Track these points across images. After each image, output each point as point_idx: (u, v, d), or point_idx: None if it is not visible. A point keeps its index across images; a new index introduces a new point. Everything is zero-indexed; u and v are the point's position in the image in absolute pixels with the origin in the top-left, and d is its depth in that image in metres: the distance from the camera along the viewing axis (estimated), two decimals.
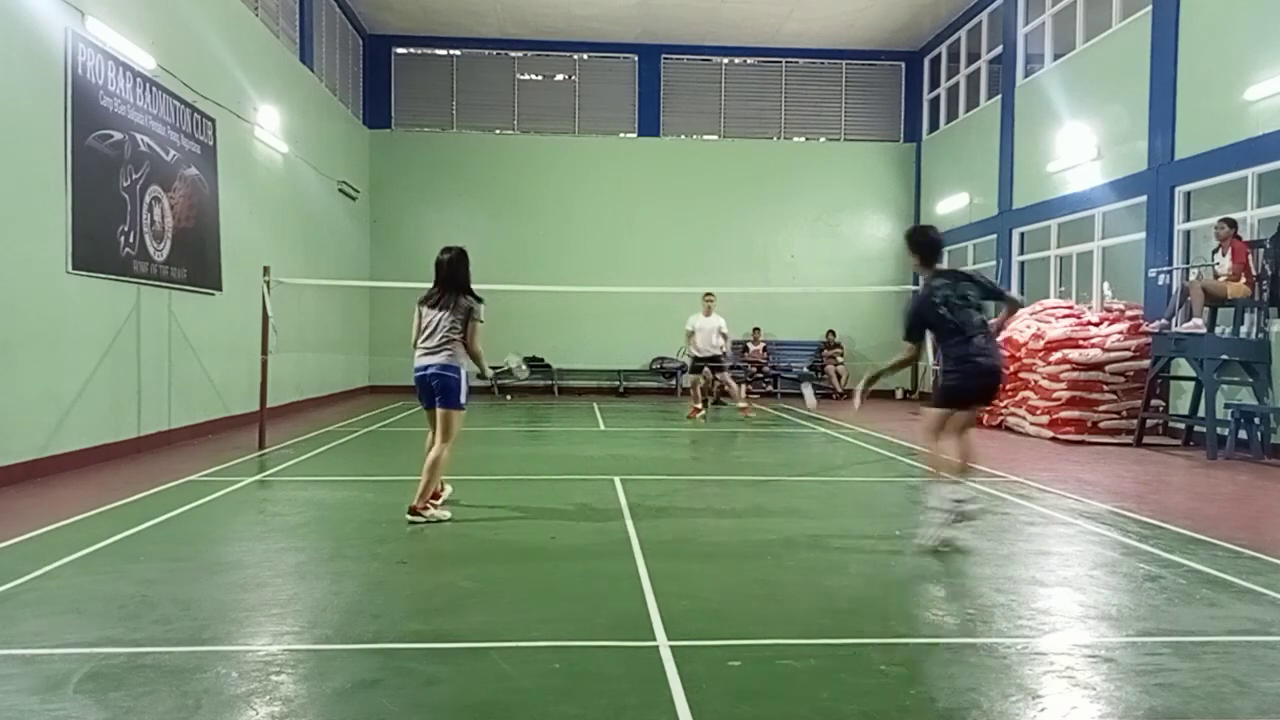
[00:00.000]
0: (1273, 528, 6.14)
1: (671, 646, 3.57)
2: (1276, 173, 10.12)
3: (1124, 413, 11.36)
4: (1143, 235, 12.29)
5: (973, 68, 18.02)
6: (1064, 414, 11.43)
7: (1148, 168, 12.05)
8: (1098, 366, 11.39)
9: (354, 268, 18.21)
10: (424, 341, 6.15)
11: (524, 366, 6.81)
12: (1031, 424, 11.99)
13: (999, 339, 5.58)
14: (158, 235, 9.71)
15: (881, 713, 2.99)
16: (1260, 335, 9.90)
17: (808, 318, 19.60)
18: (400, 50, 19.80)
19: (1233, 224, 10.04)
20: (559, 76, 20.20)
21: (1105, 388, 11.42)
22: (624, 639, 3.69)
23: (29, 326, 7.54)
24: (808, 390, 7.24)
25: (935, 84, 19.77)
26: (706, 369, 13.69)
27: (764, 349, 19.47)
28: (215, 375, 11.00)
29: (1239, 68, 10.37)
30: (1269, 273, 9.76)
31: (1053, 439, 11.45)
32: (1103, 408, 11.40)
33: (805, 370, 19.74)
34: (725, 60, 20.28)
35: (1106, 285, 13.54)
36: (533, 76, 20.16)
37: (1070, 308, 12.77)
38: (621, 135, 20.22)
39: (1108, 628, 3.92)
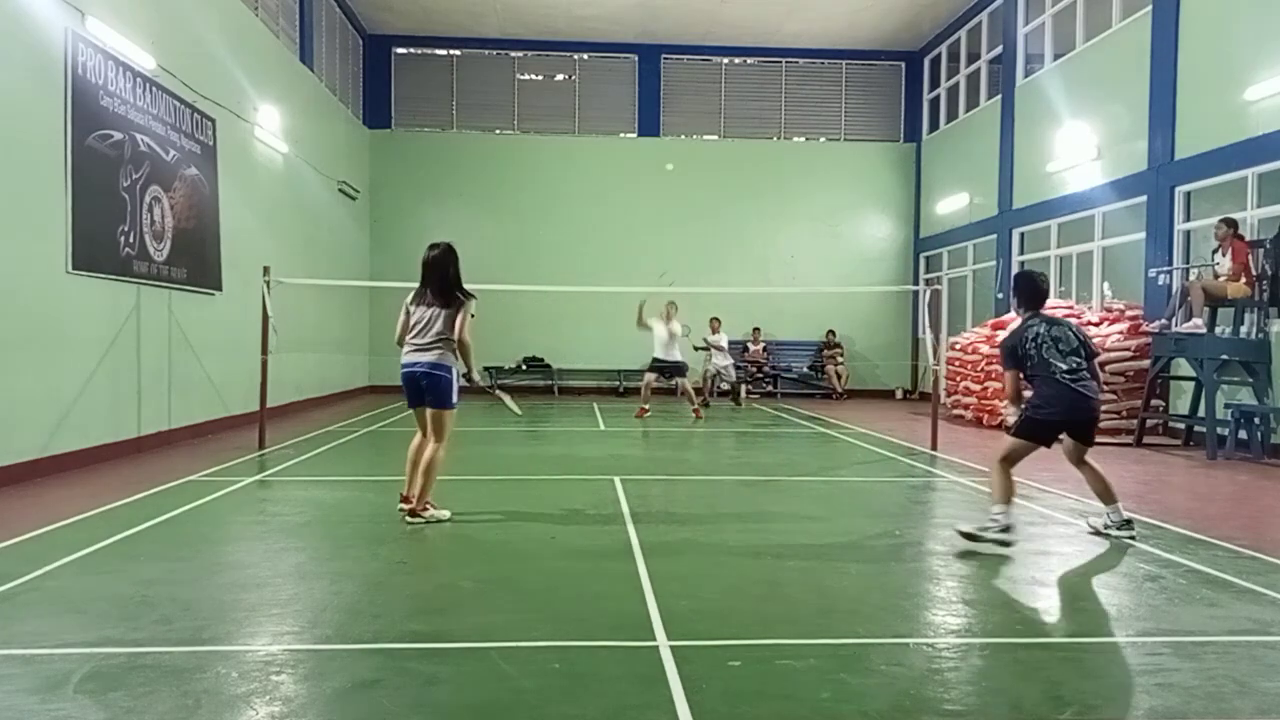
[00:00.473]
0: (1273, 528, 6.14)
1: (671, 646, 3.57)
2: (1276, 173, 10.12)
3: (1124, 413, 11.36)
4: (1143, 235, 12.29)
5: (973, 68, 18.02)
6: None
7: (1148, 168, 12.05)
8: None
9: (354, 268, 18.22)
10: (413, 339, 6.04)
11: (517, 409, 6.79)
12: None
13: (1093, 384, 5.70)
14: (158, 235, 9.71)
15: (881, 713, 2.99)
16: (1260, 335, 9.90)
17: (808, 318, 19.61)
18: (400, 50, 19.80)
19: (1233, 224, 10.04)
20: (559, 76, 20.20)
21: (1105, 388, 11.41)
22: (624, 639, 3.69)
23: (29, 326, 7.54)
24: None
25: (935, 84, 19.77)
26: (668, 373, 14.01)
27: (764, 349, 19.47)
28: (215, 375, 11.00)
29: (1239, 68, 10.37)
30: (1269, 273, 9.76)
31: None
32: (1103, 408, 11.39)
33: (805, 370, 19.75)
34: (725, 60, 20.28)
35: (1106, 285, 13.54)
36: (533, 76, 20.16)
37: (1070, 308, 12.77)
38: (621, 135, 20.22)
39: (1108, 628, 3.92)
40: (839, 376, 19.11)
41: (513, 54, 19.92)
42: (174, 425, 10.04)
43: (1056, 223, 14.75)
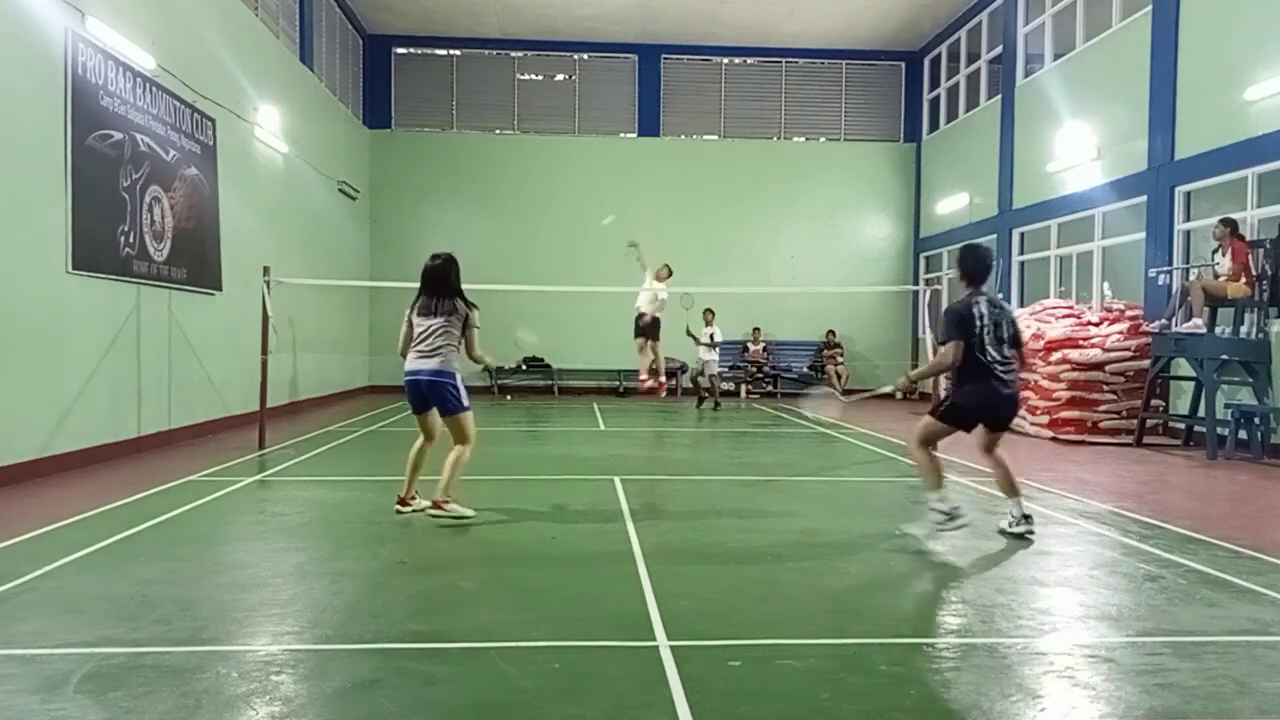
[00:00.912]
0: (1273, 528, 6.13)
1: (671, 646, 3.57)
2: (1276, 173, 10.12)
3: (1124, 413, 11.36)
4: (1143, 235, 12.29)
5: (973, 68, 18.02)
6: (1064, 414, 11.44)
7: (1148, 168, 12.05)
8: (1098, 366, 11.39)
9: (354, 268, 18.22)
10: (417, 346, 6.11)
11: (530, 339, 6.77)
12: (1031, 424, 11.99)
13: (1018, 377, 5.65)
14: (158, 235, 9.71)
15: (881, 713, 2.99)
16: (1260, 335, 9.90)
17: (808, 318, 19.60)
18: (400, 50, 19.80)
19: (1232, 224, 10.04)
20: (559, 76, 20.20)
21: (1105, 388, 11.42)
22: (624, 639, 3.69)
23: (29, 326, 7.54)
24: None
25: (935, 84, 19.77)
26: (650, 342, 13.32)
27: (764, 349, 19.47)
28: (215, 375, 11.00)
29: (1239, 68, 10.37)
30: (1269, 273, 9.76)
31: (1053, 439, 11.45)
32: (1103, 408, 11.40)
33: (805, 370, 19.75)
34: (725, 60, 20.28)
35: (1106, 285, 13.53)
36: (533, 76, 20.16)
37: (1070, 308, 12.77)
38: (621, 135, 20.22)
39: (1108, 628, 3.92)
40: (839, 376, 19.11)
41: (513, 54, 19.92)
42: (174, 425, 10.04)
43: (1056, 223, 14.75)
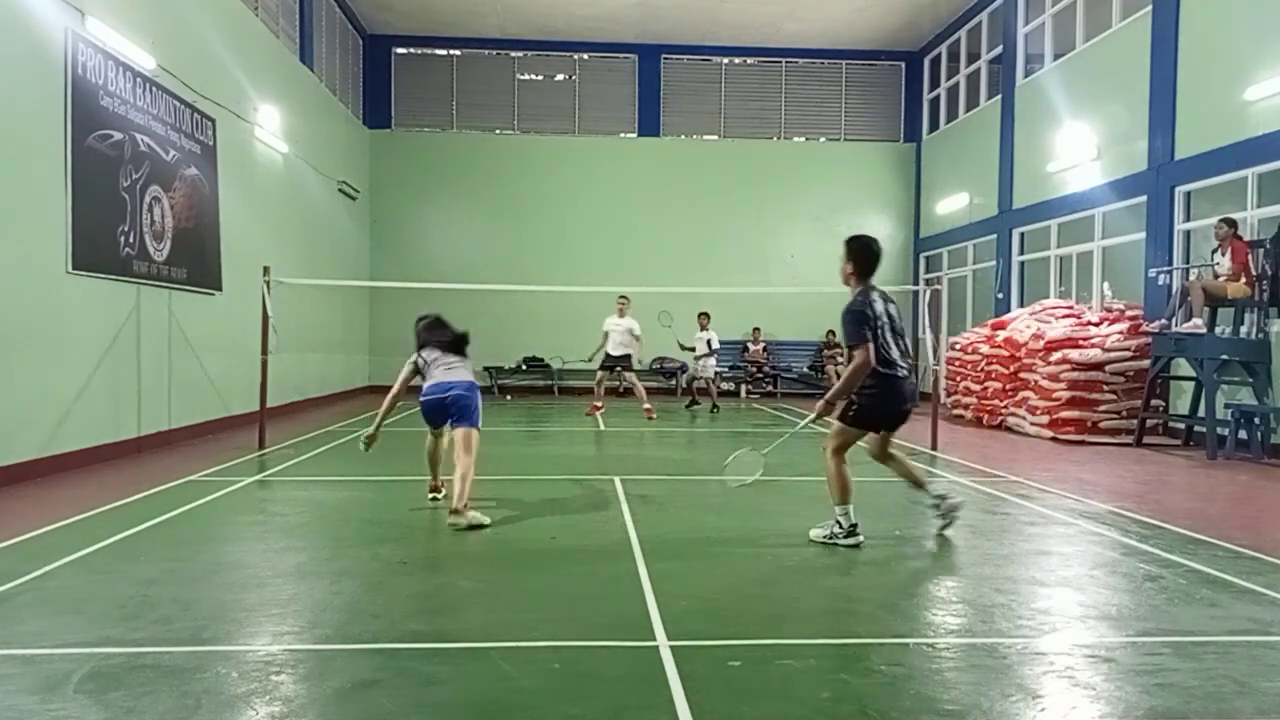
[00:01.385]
0: (1273, 528, 6.13)
1: (671, 646, 3.57)
2: (1276, 173, 10.12)
3: (1124, 413, 11.36)
4: (1143, 235, 12.29)
5: (973, 68, 18.02)
6: (1064, 414, 11.44)
7: (1148, 168, 12.05)
8: (1098, 366, 11.39)
9: (354, 268, 18.21)
10: (440, 368, 6.25)
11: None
12: (1031, 424, 12.00)
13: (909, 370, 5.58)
14: (158, 235, 9.71)
15: (881, 713, 2.99)
16: (1260, 335, 9.90)
17: (808, 318, 19.58)
18: (400, 50, 19.80)
19: (1232, 224, 10.04)
20: (559, 76, 20.21)
21: (1105, 388, 11.42)
22: (624, 639, 3.69)
23: (29, 326, 7.54)
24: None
25: (935, 84, 19.76)
26: (617, 368, 13.90)
27: (764, 349, 19.47)
28: (215, 375, 11.00)
29: (1239, 68, 10.37)
30: (1269, 273, 9.76)
31: (1053, 439, 11.46)
32: (1103, 408, 11.40)
33: (805, 370, 19.75)
34: (725, 60, 20.28)
35: (1106, 285, 13.53)
36: (533, 76, 20.16)
37: (1070, 308, 12.78)
38: (621, 135, 20.22)
39: (1108, 628, 3.92)
40: (839, 377, 19.08)
41: (513, 54, 19.92)
42: (174, 425, 10.04)
43: (1056, 223, 14.75)
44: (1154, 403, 11.20)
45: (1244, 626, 3.94)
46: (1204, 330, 10.11)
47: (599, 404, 14.26)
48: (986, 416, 13.29)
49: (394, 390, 6.29)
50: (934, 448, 10.19)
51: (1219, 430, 9.85)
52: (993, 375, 13.27)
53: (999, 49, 16.64)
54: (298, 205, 14.65)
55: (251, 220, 12.44)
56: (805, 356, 19.93)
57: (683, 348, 15.87)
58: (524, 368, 19.24)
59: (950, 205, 18.54)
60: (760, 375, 19.34)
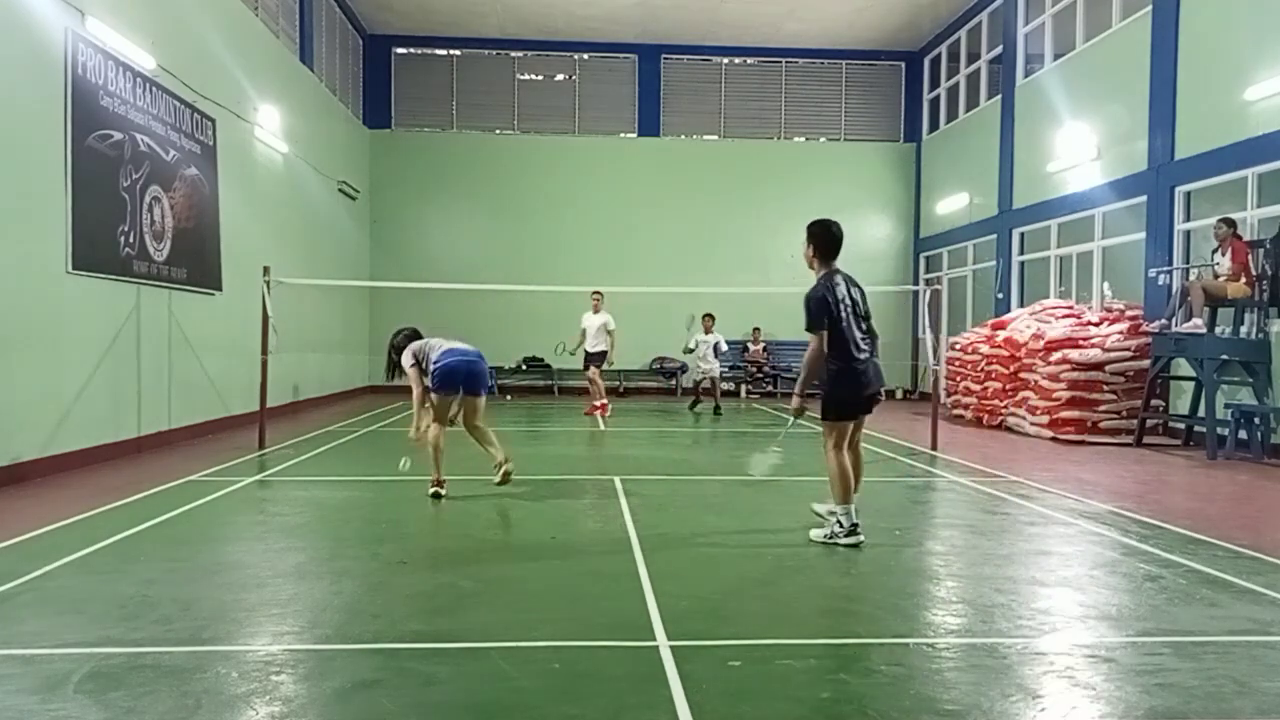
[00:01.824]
0: (1273, 528, 6.13)
1: (671, 646, 3.57)
2: (1276, 173, 10.12)
3: (1124, 413, 11.36)
4: (1143, 235, 12.29)
5: (973, 68, 18.02)
6: (1064, 414, 11.44)
7: (1148, 168, 12.05)
8: (1098, 366, 11.39)
9: (354, 268, 18.21)
10: (453, 341, 6.88)
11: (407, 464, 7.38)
12: (1031, 424, 11.99)
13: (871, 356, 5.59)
14: (158, 235, 9.71)
15: (881, 713, 2.99)
16: (1260, 335, 9.90)
17: None
18: (400, 50, 19.80)
19: (1232, 224, 10.04)
20: (559, 76, 20.20)
21: (1105, 388, 11.41)
22: (624, 639, 3.69)
23: (29, 326, 7.54)
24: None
25: (935, 84, 19.76)
26: (592, 366, 14.00)
27: (764, 349, 19.46)
28: (215, 375, 11.00)
29: (1239, 68, 10.37)
30: (1269, 273, 9.76)
31: (1053, 439, 11.46)
32: (1103, 408, 11.40)
33: None
34: (725, 60, 20.28)
35: (1106, 285, 13.53)
36: (533, 76, 20.16)
37: (1070, 308, 12.77)
38: (621, 135, 20.22)
39: (1108, 628, 3.92)
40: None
41: (513, 54, 19.92)
42: (174, 425, 10.04)
43: (1056, 223, 14.75)
44: (1154, 403, 11.20)
45: (1244, 626, 3.94)
46: (1204, 330, 10.11)
47: (599, 403, 14.07)
48: (986, 416, 13.29)
49: (417, 389, 6.77)
50: (934, 448, 10.19)
51: (1219, 430, 9.85)
52: (993, 375, 13.26)
53: (999, 49, 16.64)
54: (298, 205, 14.65)
55: (251, 220, 12.44)
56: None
57: (687, 352, 15.82)
58: (524, 368, 19.24)
59: (950, 205, 18.54)
60: (760, 375, 19.33)
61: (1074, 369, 11.41)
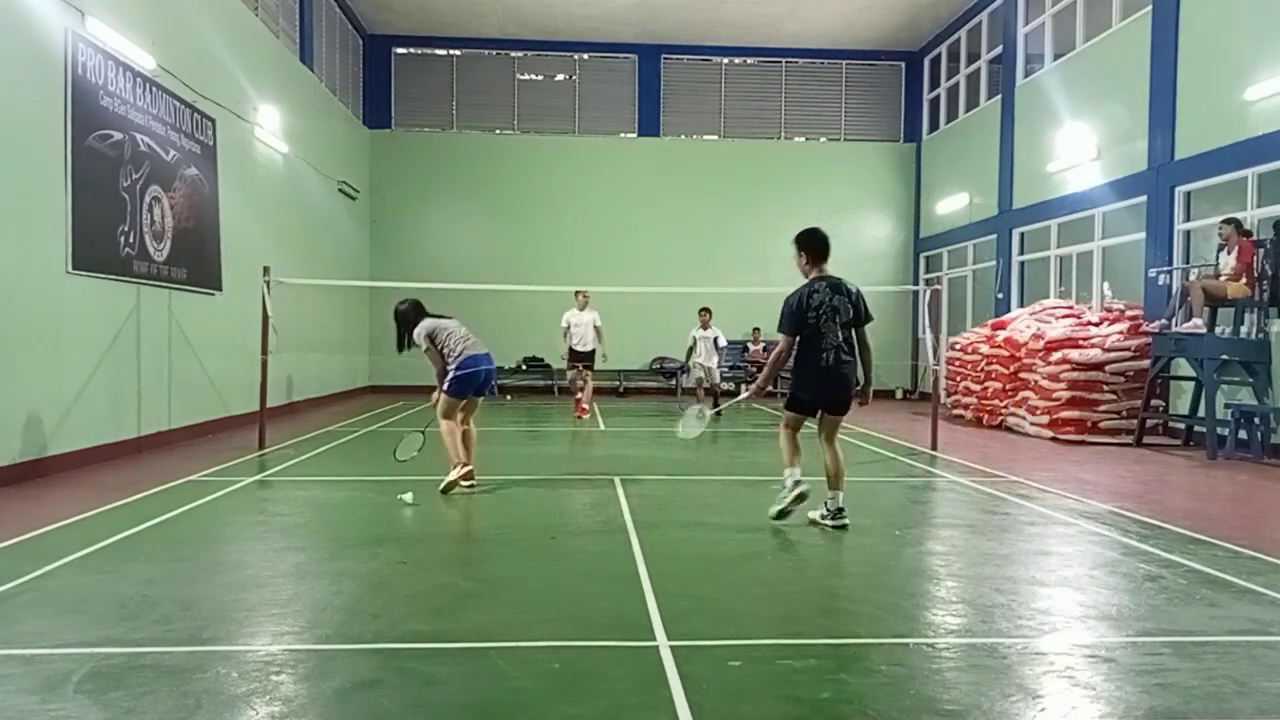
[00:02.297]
0: (1273, 528, 6.14)
1: (671, 646, 3.57)
2: (1276, 173, 10.12)
3: (1124, 413, 11.36)
4: (1143, 235, 12.29)
5: (973, 68, 18.02)
6: (1064, 414, 11.43)
7: (1148, 168, 12.06)
8: (1098, 366, 11.39)
9: (354, 268, 18.21)
10: (470, 339, 7.06)
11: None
12: (1031, 424, 11.99)
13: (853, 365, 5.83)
14: (158, 235, 9.71)
15: (881, 713, 2.98)
16: (1260, 335, 9.90)
17: None
18: (400, 50, 19.80)
19: (1238, 223, 10.03)
20: (559, 76, 20.21)
21: (1105, 388, 11.41)
22: (624, 639, 3.69)
23: (29, 326, 7.53)
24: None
25: (935, 84, 19.77)
26: (580, 366, 13.80)
27: (764, 349, 19.44)
28: (215, 375, 11.00)
29: (1239, 68, 10.37)
30: (1269, 273, 9.76)
31: (1053, 439, 11.46)
32: (1103, 408, 11.40)
33: None
34: (725, 60, 20.28)
35: (1106, 285, 13.54)
36: (533, 76, 20.16)
37: (1070, 308, 12.77)
38: (621, 135, 20.22)
39: (1108, 628, 3.92)
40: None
41: (513, 54, 19.92)
42: (174, 425, 10.04)
43: (1056, 223, 14.75)
44: (1154, 403, 11.19)
45: (1244, 626, 3.94)
46: (1204, 330, 10.11)
47: (586, 407, 13.86)
48: (986, 416, 13.29)
49: (438, 365, 7.03)
50: (934, 448, 10.20)
51: (1219, 430, 9.85)
52: (993, 375, 13.26)
53: (999, 49, 16.64)
54: (298, 205, 14.65)
55: (251, 220, 12.44)
56: None
57: (688, 356, 15.76)
58: (524, 368, 19.24)
59: (950, 205, 18.54)
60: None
61: (1074, 369, 11.41)
